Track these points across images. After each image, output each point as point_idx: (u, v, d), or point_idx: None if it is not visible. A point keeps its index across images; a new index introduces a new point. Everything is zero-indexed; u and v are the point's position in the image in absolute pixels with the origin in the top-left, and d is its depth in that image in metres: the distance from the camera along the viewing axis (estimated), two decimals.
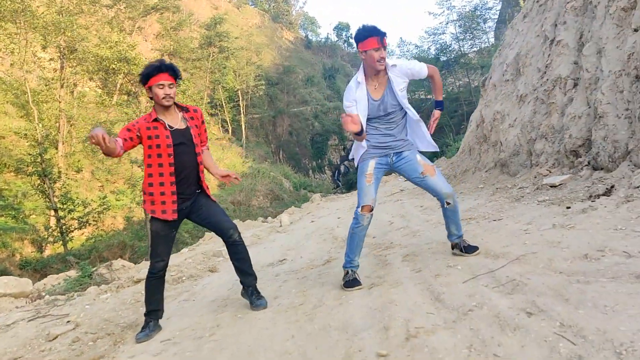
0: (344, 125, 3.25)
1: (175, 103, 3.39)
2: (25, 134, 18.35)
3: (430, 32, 42.29)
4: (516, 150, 6.70)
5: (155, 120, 3.30)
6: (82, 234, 18.32)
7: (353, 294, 3.41)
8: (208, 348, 2.94)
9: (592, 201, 4.15)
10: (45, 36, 19.67)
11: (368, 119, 3.48)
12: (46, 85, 21.49)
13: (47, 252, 17.20)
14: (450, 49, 40.86)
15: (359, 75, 3.47)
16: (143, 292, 5.14)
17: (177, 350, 3.01)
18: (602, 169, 4.88)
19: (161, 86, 3.22)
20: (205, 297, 4.49)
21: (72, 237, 17.58)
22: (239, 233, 3.60)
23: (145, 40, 37.44)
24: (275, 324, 3.15)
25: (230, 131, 38.85)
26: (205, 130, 3.62)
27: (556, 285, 2.52)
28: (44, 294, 6.31)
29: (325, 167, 45.09)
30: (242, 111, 39.32)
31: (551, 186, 5.19)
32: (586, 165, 5.15)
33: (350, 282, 3.54)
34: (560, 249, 3.13)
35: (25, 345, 3.59)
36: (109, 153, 3.08)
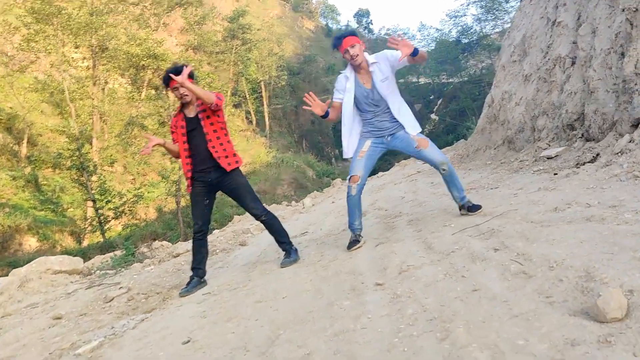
0: (311, 107, 3.98)
1: None
2: (63, 130, 19.46)
3: (451, 15, 41.58)
4: (521, 127, 7.15)
5: (177, 114, 4.17)
6: (119, 223, 19.35)
7: (362, 249, 4.02)
8: (242, 295, 3.56)
9: (577, 167, 4.64)
10: (78, 36, 20.72)
11: (362, 111, 4.07)
12: (79, 84, 22.58)
13: (86, 242, 18.16)
14: (471, 30, 40.19)
15: (347, 70, 4.03)
16: (182, 262, 5.90)
17: (217, 299, 3.63)
18: (593, 140, 5.32)
19: (176, 89, 3.96)
20: (237, 263, 5.16)
21: (110, 226, 18.57)
22: (267, 214, 4.28)
23: (170, 36, 38.31)
24: (296, 274, 3.77)
25: (254, 122, 39.57)
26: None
27: (523, 230, 3.07)
28: (94, 270, 6.96)
29: None
30: (265, 102, 39.96)
31: (548, 158, 5.66)
32: (580, 137, 5.60)
33: (351, 244, 4.17)
34: (536, 205, 3.66)
35: (87, 306, 4.27)
36: (175, 155, 4.23)
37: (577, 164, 4.81)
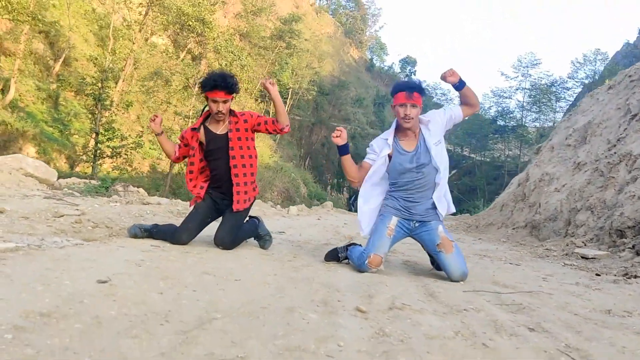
0: (334, 138, 3.23)
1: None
2: (96, 58, 19.01)
3: (497, 93, 40.81)
4: (554, 215, 6.32)
5: (196, 129, 3.57)
6: (112, 163, 19.06)
7: (344, 268, 3.22)
8: (190, 261, 2.89)
9: (628, 278, 3.77)
10: None
11: (394, 182, 3.26)
12: (128, 26, 22.41)
13: (77, 169, 18.17)
14: (511, 115, 39.23)
15: (388, 134, 3.29)
16: (148, 211, 5.17)
17: (163, 254, 2.98)
18: None
19: (215, 102, 3.38)
20: (201, 235, 4.30)
21: (103, 162, 18.49)
22: (225, 243, 3.53)
23: (225, 17, 38.16)
24: (260, 264, 3.09)
25: None
26: (259, 117, 3.64)
27: (570, 321, 2.22)
28: (64, 187, 6.73)
29: (344, 189, 44.73)
30: (286, 109, 39.48)
31: (582, 257, 4.80)
32: (630, 247, 4.72)
33: (330, 255, 3.48)
34: (580, 300, 2.79)
35: (35, 212, 3.72)
36: (166, 152, 3.73)
37: (625, 274, 3.92)
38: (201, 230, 3.61)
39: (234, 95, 3.44)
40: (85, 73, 20.49)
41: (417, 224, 3.20)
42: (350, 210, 21.24)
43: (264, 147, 33.92)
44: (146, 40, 25.19)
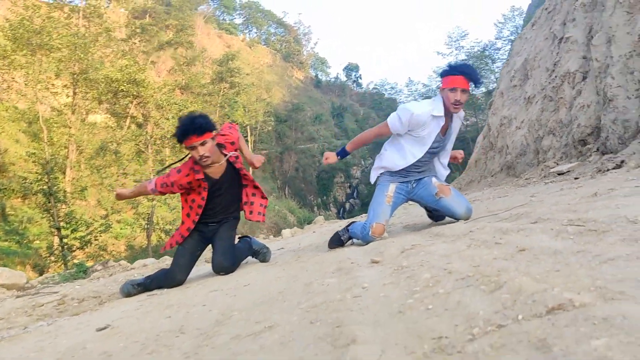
0: (327, 162, 3.33)
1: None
2: (34, 153, 18.11)
3: (439, 72, 42.21)
4: (523, 150, 6.57)
5: (192, 172, 3.22)
6: (84, 254, 18.10)
7: (351, 248, 3.27)
8: (193, 289, 2.82)
9: (603, 173, 3.99)
10: (59, 64, 20.01)
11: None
12: (58, 112, 21.81)
13: (49, 273, 17.12)
14: None
15: (438, 109, 3.04)
16: (136, 274, 5.01)
17: (162, 298, 2.78)
18: (611, 152, 4.73)
19: (193, 148, 3.07)
20: (197, 274, 4.30)
21: (74, 256, 17.34)
22: (225, 267, 3.33)
23: (158, 76, 38.21)
24: (265, 270, 3.10)
25: None
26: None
27: (564, 208, 2.37)
28: (37, 285, 6.17)
29: (331, 204, 44.82)
30: (250, 146, 39.56)
31: (559, 174, 5.03)
32: (595, 151, 5.01)
33: (333, 241, 3.52)
34: (567, 196, 2.96)
35: (9, 312, 3.38)
36: (141, 194, 3.46)
37: (599, 171, 4.16)
38: (194, 265, 3.42)
39: (213, 132, 3.12)
40: (27, 172, 19.38)
41: (414, 184, 3.25)
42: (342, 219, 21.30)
43: None
44: (83, 120, 24.53)
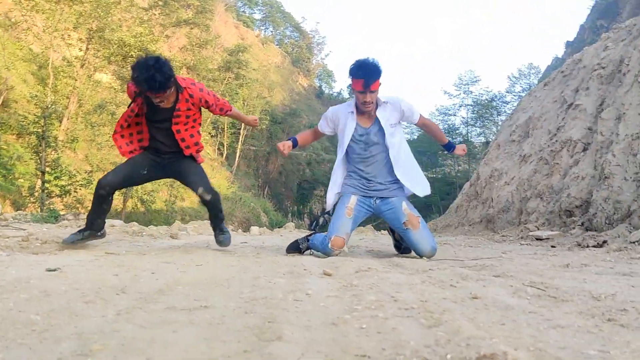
0: (280, 149, 3.29)
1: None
2: (37, 96, 18.08)
3: (442, 111, 41.68)
4: (507, 206, 6.56)
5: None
6: (62, 202, 18.08)
7: (308, 257, 3.18)
8: (149, 257, 2.78)
9: (581, 248, 3.94)
10: (79, 17, 20.09)
11: (350, 157, 3.30)
12: (68, 63, 21.89)
13: (24, 212, 17.20)
14: (457, 131, 40.29)
15: (351, 105, 3.29)
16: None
17: (119, 258, 2.72)
18: (595, 230, 4.67)
19: (157, 98, 2.93)
20: (158, 246, 4.19)
21: (51, 202, 17.22)
22: (212, 194, 3.31)
23: (170, 51, 38.01)
24: (222, 256, 3.01)
25: (224, 155, 38.81)
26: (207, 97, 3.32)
27: (531, 270, 2.34)
28: (10, 218, 6.35)
29: (305, 215, 44.63)
30: (240, 140, 39.45)
31: (537, 239, 4.98)
32: (579, 225, 4.94)
33: (291, 247, 3.46)
34: (539, 261, 2.90)
35: None
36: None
37: (579, 245, 4.10)
38: (132, 181, 3.33)
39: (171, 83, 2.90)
40: (27, 112, 19.65)
41: (377, 201, 3.19)
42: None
43: (220, 178, 33.51)
44: (89, 77, 24.52)
